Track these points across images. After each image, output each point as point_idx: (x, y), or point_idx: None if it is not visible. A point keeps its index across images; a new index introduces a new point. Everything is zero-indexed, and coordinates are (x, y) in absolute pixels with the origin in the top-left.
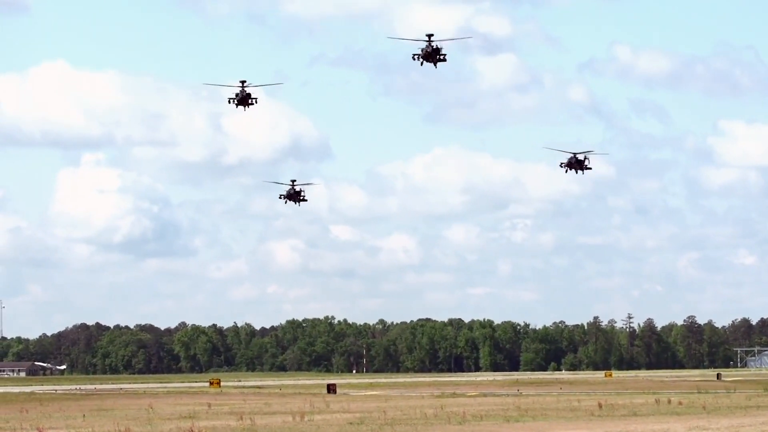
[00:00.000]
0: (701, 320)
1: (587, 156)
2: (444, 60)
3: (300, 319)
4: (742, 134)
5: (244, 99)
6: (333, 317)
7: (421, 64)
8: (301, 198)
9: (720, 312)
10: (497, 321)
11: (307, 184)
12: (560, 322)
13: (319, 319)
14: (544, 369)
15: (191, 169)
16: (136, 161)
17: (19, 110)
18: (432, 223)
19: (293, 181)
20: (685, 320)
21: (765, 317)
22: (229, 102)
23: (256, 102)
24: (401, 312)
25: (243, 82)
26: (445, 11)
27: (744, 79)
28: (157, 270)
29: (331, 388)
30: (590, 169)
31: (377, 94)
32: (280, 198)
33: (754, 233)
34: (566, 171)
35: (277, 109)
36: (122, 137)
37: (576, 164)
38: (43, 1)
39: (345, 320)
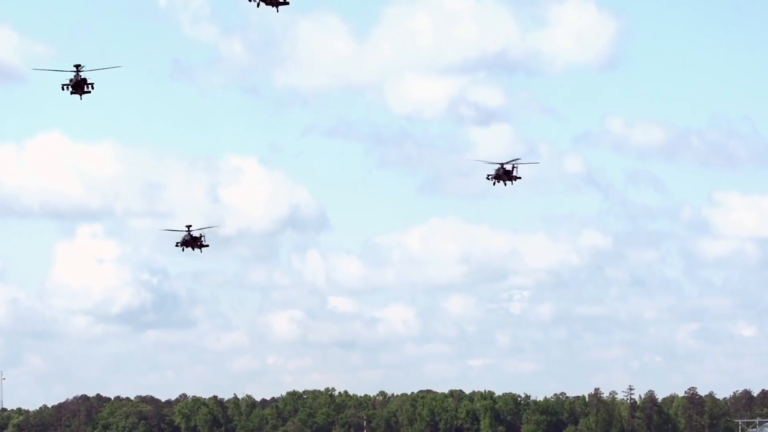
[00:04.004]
0: (702, 391)
1: (515, 165)
2: (287, 3)
3: (300, 391)
4: (738, 205)
5: (78, 84)
6: (333, 389)
7: (258, 5)
8: (201, 243)
9: (721, 383)
10: (498, 392)
11: (208, 227)
12: (561, 393)
13: (319, 390)
14: None
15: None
16: (133, 232)
17: (17, 181)
18: (430, 294)
19: (188, 226)
20: (686, 392)
21: (766, 388)
22: (63, 89)
23: (92, 88)
24: (402, 383)
25: (78, 66)
26: (439, 82)
27: (739, 150)
28: (157, 341)
29: None
30: (519, 178)
31: (372, 164)
32: (177, 246)
33: (753, 304)
34: (494, 183)
35: (274, 180)
36: (120, 208)
37: (504, 175)
38: (40, 73)
39: (345, 392)
